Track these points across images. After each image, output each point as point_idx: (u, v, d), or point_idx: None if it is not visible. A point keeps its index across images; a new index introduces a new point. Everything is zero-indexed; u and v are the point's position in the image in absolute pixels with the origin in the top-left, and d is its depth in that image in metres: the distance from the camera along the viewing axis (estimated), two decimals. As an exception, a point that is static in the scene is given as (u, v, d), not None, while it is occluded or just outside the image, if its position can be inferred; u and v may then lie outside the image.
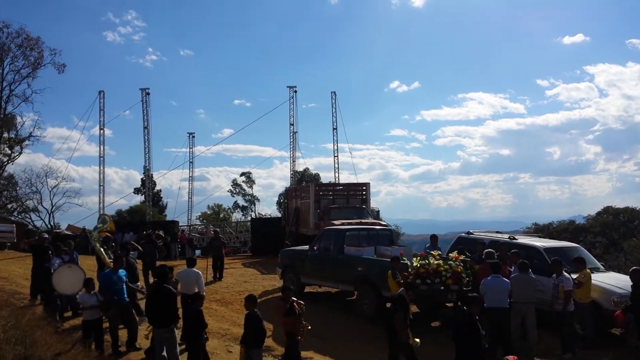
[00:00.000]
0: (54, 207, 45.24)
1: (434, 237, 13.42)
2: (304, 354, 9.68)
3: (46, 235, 13.77)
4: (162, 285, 8.19)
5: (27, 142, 41.96)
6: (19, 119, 41.19)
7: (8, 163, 41.77)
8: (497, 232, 14.44)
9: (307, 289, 14.78)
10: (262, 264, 21.13)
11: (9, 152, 41.20)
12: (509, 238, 12.99)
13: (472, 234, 13.89)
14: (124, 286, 9.65)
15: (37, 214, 45.95)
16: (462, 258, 11.52)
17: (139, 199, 52.85)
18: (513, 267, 10.60)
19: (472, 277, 11.22)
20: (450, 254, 11.77)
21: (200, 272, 10.51)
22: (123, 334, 9.42)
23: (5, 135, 40.11)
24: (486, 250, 11.50)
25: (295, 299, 8.61)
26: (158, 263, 13.22)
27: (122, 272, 9.82)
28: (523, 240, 13.05)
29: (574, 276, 10.15)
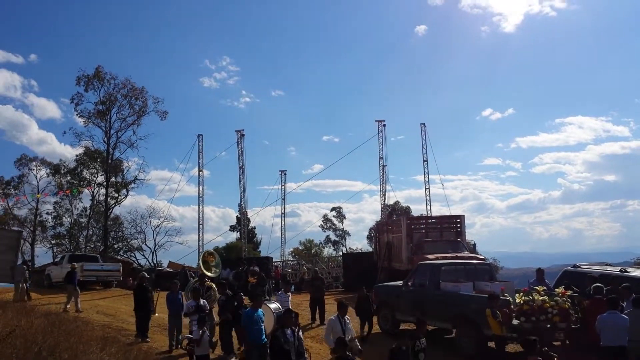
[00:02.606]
0: (157, 246, 47.82)
1: (540, 271, 12.70)
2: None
3: (146, 275, 14.23)
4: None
5: (132, 185, 44.96)
6: (125, 164, 44.29)
7: (115, 205, 44.81)
8: (606, 264, 13.47)
9: (403, 326, 14.40)
10: (354, 300, 20.87)
11: (116, 195, 44.20)
12: (620, 271, 12.03)
13: (579, 267, 13.01)
14: (263, 326, 9.61)
15: (142, 253, 48.80)
16: (569, 293, 10.82)
17: (234, 235, 54.52)
18: (625, 303, 9.78)
19: (581, 314, 10.49)
20: (557, 289, 11.07)
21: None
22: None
23: (113, 179, 43.11)
24: (594, 285, 10.76)
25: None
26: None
27: (260, 312, 9.78)
28: (636, 273, 12.01)
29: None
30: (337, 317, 9.20)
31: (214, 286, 12.48)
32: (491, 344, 10.94)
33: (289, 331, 8.59)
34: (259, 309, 9.73)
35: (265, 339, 9.43)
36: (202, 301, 11.26)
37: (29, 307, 13.50)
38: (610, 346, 8.77)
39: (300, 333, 9.23)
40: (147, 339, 12.30)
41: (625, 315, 9.20)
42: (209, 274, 13.26)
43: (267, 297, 13.47)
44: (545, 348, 8.54)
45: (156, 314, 13.23)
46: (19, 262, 21.03)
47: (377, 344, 12.41)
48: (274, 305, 11.53)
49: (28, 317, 9.23)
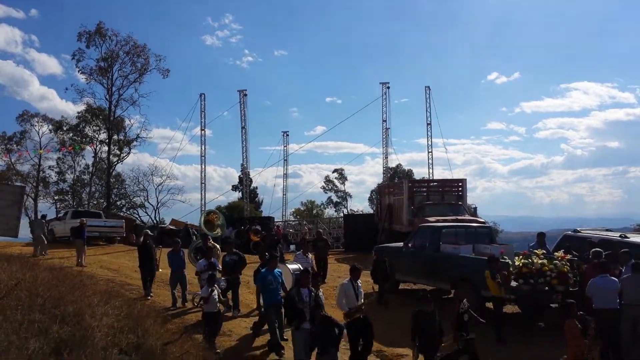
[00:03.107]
0: (159, 204, 48.18)
1: (541, 235, 12.75)
2: (402, 350, 9.61)
3: (149, 233, 14.28)
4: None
5: (134, 143, 44.99)
6: (127, 122, 44.18)
7: (117, 163, 44.94)
8: (606, 229, 13.51)
9: (402, 286, 14.61)
10: (355, 260, 21.08)
11: (119, 152, 44.23)
12: (620, 236, 12.08)
13: (579, 231, 13.06)
14: (279, 286, 9.65)
15: (144, 210, 49.21)
16: (568, 257, 10.91)
17: (236, 195, 54.77)
18: (624, 268, 9.86)
19: (580, 278, 10.59)
20: (556, 253, 11.15)
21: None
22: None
23: (115, 137, 43.04)
24: (593, 250, 10.83)
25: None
26: None
27: (277, 272, 9.80)
28: (636, 238, 12.07)
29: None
30: (350, 281, 9.09)
31: (217, 246, 12.41)
32: (489, 305, 11.09)
33: (305, 291, 8.60)
34: (275, 269, 9.74)
35: (281, 299, 9.45)
36: (213, 259, 11.34)
37: (33, 261, 13.66)
38: (602, 309, 8.92)
39: (320, 293, 9.25)
40: (151, 295, 12.48)
41: (624, 279, 9.32)
42: (212, 233, 13.02)
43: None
44: (581, 312, 8.52)
45: (160, 270, 13.37)
46: (32, 217, 21.48)
47: (395, 309, 12.40)
48: (294, 266, 11.48)
49: (32, 271, 9.34)
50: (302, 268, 11.03)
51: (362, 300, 9.01)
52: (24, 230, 19.00)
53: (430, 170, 40.52)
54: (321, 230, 24.36)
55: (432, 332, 8.29)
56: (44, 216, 22.46)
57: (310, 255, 12.62)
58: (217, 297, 9.54)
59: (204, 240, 12.78)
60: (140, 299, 11.60)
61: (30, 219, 44.14)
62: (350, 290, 8.94)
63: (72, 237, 18.72)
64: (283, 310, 9.35)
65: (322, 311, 8.18)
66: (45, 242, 19.36)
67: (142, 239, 13.26)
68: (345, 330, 8.24)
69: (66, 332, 6.45)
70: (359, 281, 9.23)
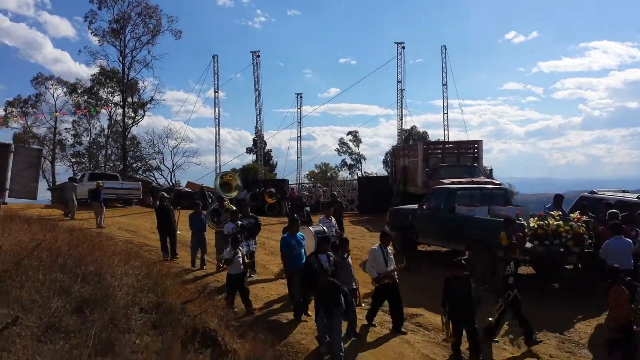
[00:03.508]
0: (175, 166, 48.57)
1: (558, 197, 12.62)
2: (413, 310, 9.71)
3: (166, 195, 14.21)
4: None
5: (148, 105, 45.12)
6: (140, 84, 44.20)
7: (132, 125, 45.14)
8: (623, 191, 13.36)
9: (419, 248, 14.68)
10: (369, 222, 21.24)
11: (133, 115, 44.37)
12: (638, 197, 11.96)
13: (596, 193, 12.94)
14: (303, 250, 9.44)
15: (160, 172, 49.72)
16: (584, 219, 10.84)
17: (250, 158, 54.89)
18: (640, 229, 9.82)
19: (595, 239, 10.55)
20: (572, 215, 11.08)
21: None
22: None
23: (129, 99, 43.11)
24: (609, 211, 10.73)
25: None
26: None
27: (299, 236, 9.57)
28: (654, 200, 11.94)
29: None
30: (380, 247, 9.03)
31: (234, 208, 12.11)
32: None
33: (323, 257, 8.51)
34: (298, 233, 9.53)
35: (304, 265, 9.16)
36: (239, 222, 11.19)
37: (53, 222, 13.90)
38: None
39: (349, 259, 9.25)
40: (177, 256, 12.61)
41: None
42: (229, 195, 12.52)
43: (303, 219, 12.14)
44: (629, 278, 8.41)
45: (179, 232, 13.46)
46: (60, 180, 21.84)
47: (423, 274, 12.12)
48: (316, 228, 11.10)
49: (53, 232, 9.52)
50: (325, 230, 10.86)
51: (392, 267, 8.98)
52: (42, 192, 19.28)
53: (446, 132, 40.22)
54: (335, 193, 24.30)
55: (467, 298, 8.03)
56: (74, 179, 22.66)
57: (333, 219, 12.22)
58: (240, 259, 9.46)
59: (220, 202, 12.53)
60: (159, 260, 11.77)
61: (49, 182, 44.85)
62: (380, 256, 8.92)
63: (90, 200, 18.97)
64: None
65: (327, 276, 8.04)
66: (76, 205, 19.60)
67: (159, 201, 13.31)
68: (348, 297, 7.99)
69: (87, 291, 6.62)
70: (389, 247, 9.13)
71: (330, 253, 8.76)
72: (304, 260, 9.15)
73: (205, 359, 6.41)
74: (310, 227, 11.02)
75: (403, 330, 8.84)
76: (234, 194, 12.71)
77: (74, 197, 19.57)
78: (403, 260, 10.18)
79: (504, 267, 8.65)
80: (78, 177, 29.74)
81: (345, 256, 9.19)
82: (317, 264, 8.35)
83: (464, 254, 12.67)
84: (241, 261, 9.50)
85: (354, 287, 9.11)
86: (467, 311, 7.98)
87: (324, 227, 11.21)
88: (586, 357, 8.41)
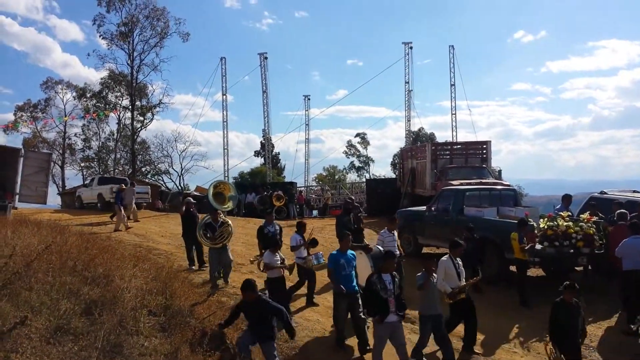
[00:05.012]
0: (183, 170, 48.75)
1: (566, 198, 12.54)
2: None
3: (193, 201, 13.22)
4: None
5: (157, 109, 45.26)
6: (149, 88, 44.41)
7: (141, 129, 45.35)
8: (633, 191, 13.26)
9: (425, 250, 14.63)
10: (377, 225, 21.18)
11: (142, 118, 44.59)
12: (649, 198, 11.87)
13: (605, 193, 12.86)
14: (353, 272, 8.29)
15: (169, 176, 49.92)
16: (594, 219, 10.76)
17: (259, 161, 55.08)
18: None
19: (605, 240, 10.48)
20: (582, 215, 11.01)
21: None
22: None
23: (138, 103, 43.33)
24: (618, 211, 10.64)
25: None
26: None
27: (350, 254, 8.40)
28: (665, 200, 11.84)
29: None
30: (449, 257, 8.30)
31: (230, 222, 10.94)
32: (512, 268, 11.07)
33: (387, 277, 7.46)
34: (348, 251, 8.40)
35: (356, 287, 8.30)
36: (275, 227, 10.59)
37: (62, 226, 13.97)
38: (633, 270, 8.83)
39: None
40: (205, 265, 11.51)
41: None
42: (222, 207, 10.97)
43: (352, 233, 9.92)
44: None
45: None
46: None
47: (491, 292, 10.76)
48: (373, 252, 9.63)
49: (62, 235, 9.56)
50: (383, 250, 9.32)
51: (464, 280, 8.30)
52: (52, 197, 19.38)
53: (454, 133, 40.26)
54: (352, 198, 23.07)
55: (575, 327, 7.23)
56: (132, 183, 22.72)
57: (396, 233, 10.48)
58: (279, 262, 9.18)
59: (213, 215, 10.83)
60: (184, 270, 11.44)
61: (58, 187, 45.09)
62: (452, 268, 8.21)
63: (115, 203, 18.91)
64: (360, 300, 8.27)
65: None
66: (135, 208, 19.58)
67: (184, 207, 12.43)
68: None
69: (96, 293, 6.64)
70: (459, 259, 8.39)
71: (395, 273, 7.65)
72: (354, 283, 8.24)
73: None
74: (363, 253, 9.44)
75: (476, 350, 8.29)
76: (229, 205, 11.19)
77: (133, 201, 19.47)
78: (478, 272, 9.14)
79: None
80: (87, 182, 29.93)
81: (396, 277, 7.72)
82: (380, 286, 7.34)
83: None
84: (280, 264, 9.15)
85: (437, 312, 7.86)
86: (575, 343, 7.25)
87: (380, 247, 9.74)
88: (597, 359, 8.35)
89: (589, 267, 11.48)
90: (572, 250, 10.33)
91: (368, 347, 7.79)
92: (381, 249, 9.61)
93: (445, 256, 8.46)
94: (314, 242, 10.00)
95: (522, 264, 10.52)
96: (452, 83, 39.07)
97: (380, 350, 7.26)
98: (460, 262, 8.39)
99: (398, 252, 9.78)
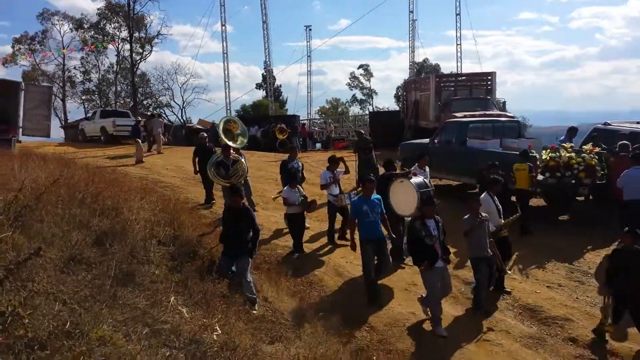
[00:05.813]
0: (185, 103, 48.40)
1: (571, 130, 12.55)
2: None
3: (205, 135, 13.09)
4: None
5: (156, 40, 44.48)
6: (147, 19, 43.39)
7: (140, 61, 44.70)
8: (637, 122, 13.22)
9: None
10: (380, 157, 21.17)
11: (141, 50, 43.84)
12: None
13: (609, 124, 12.81)
14: (378, 218, 7.75)
15: (170, 109, 49.60)
16: (597, 150, 10.80)
17: (260, 94, 54.56)
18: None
19: (607, 171, 10.56)
20: (585, 146, 11.04)
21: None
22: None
23: (136, 34, 42.46)
24: (620, 143, 10.67)
25: None
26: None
27: (375, 198, 7.86)
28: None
29: None
30: (488, 194, 8.10)
31: (242, 160, 10.60)
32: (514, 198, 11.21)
33: (431, 222, 7.10)
34: (372, 196, 7.83)
35: (381, 235, 7.81)
36: (337, 171, 9.98)
37: (68, 159, 14.06)
38: (634, 199, 8.94)
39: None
40: (214, 201, 11.62)
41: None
42: (233, 144, 10.65)
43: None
44: None
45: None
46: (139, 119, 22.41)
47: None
48: (417, 180, 8.71)
49: (69, 168, 9.65)
50: (427, 184, 8.85)
51: (502, 217, 8.17)
52: (55, 130, 19.58)
53: (459, 64, 39.66)
54: (363, 132, 22.01)
55: (638, 276, 6.54)
56: (160, 115, 23.02)
57: (427, 169, 10.15)
58: (300, 197, 9.22)
59: (225, 153, 10.43)
60: (205, 207, 11.55)
61: (60, 120, 44.98)
62: (492, 206, 8.05)
63: (131, 136, 19.91)
64: (390, 245, 8.13)
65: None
66: (163, 140, 20.41)
67: (199, 142, 12.34)
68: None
69: (106, 225, 6.78)
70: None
71: (439, 217, 7.31)
72: (379, 230, 7.79)
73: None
74: (410, 180, 8.59)
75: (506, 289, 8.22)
76: (240, 141, 10.84)
77: (160, 132, 20.09)
78: (517, 209, 8.91)
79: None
80: (89, 115, 29.81)
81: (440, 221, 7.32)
82: (425, 232, 7.02)
83: (474, 187, 12.67)
84: (299, 200, 9.17)
85: (488, 254, 7.57)
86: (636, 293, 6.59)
87: (423, 179, 9.01)
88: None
89: (590, 198, 11.61)
90: (573, 181, 10.43)
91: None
92: (427, 181, 9.07)
93: (484, 194, 8.30)
94: (313, 204, 9.61)
95: (524, 195, 10.65)
96: (458, 12, 38.16)
97: (435, 295, 7.00)
98: (496, 200, 8.24)
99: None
